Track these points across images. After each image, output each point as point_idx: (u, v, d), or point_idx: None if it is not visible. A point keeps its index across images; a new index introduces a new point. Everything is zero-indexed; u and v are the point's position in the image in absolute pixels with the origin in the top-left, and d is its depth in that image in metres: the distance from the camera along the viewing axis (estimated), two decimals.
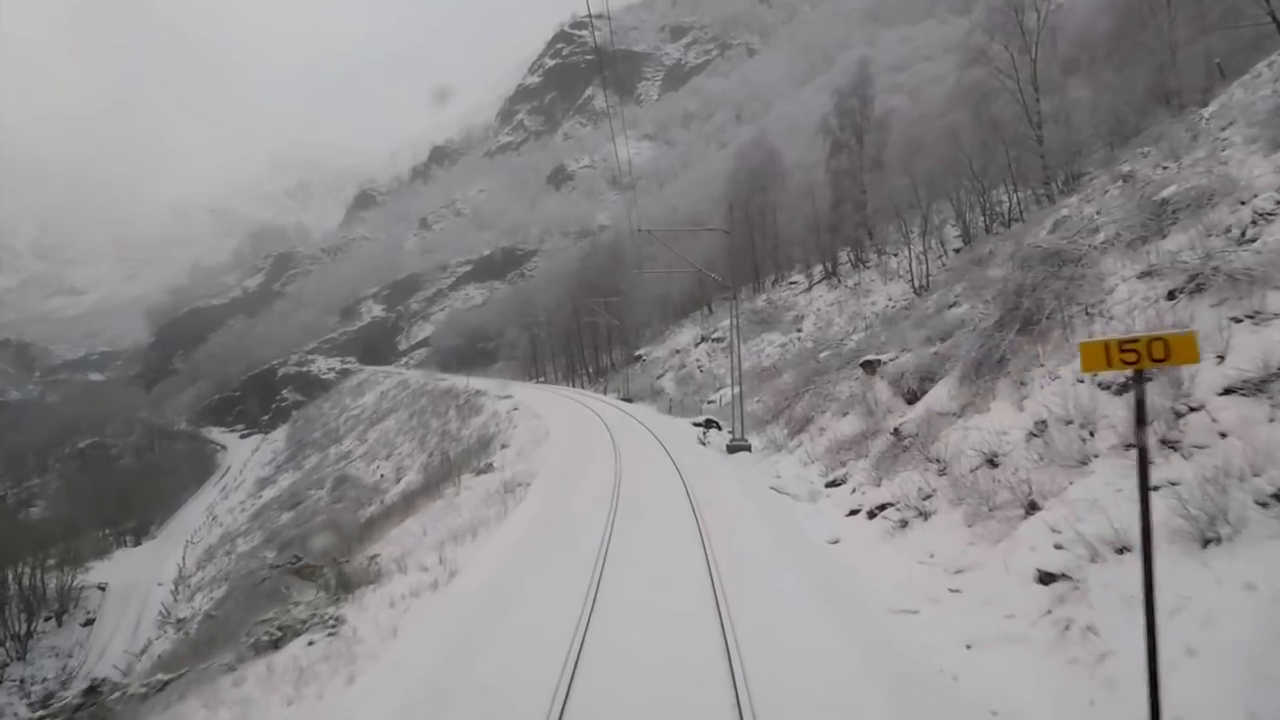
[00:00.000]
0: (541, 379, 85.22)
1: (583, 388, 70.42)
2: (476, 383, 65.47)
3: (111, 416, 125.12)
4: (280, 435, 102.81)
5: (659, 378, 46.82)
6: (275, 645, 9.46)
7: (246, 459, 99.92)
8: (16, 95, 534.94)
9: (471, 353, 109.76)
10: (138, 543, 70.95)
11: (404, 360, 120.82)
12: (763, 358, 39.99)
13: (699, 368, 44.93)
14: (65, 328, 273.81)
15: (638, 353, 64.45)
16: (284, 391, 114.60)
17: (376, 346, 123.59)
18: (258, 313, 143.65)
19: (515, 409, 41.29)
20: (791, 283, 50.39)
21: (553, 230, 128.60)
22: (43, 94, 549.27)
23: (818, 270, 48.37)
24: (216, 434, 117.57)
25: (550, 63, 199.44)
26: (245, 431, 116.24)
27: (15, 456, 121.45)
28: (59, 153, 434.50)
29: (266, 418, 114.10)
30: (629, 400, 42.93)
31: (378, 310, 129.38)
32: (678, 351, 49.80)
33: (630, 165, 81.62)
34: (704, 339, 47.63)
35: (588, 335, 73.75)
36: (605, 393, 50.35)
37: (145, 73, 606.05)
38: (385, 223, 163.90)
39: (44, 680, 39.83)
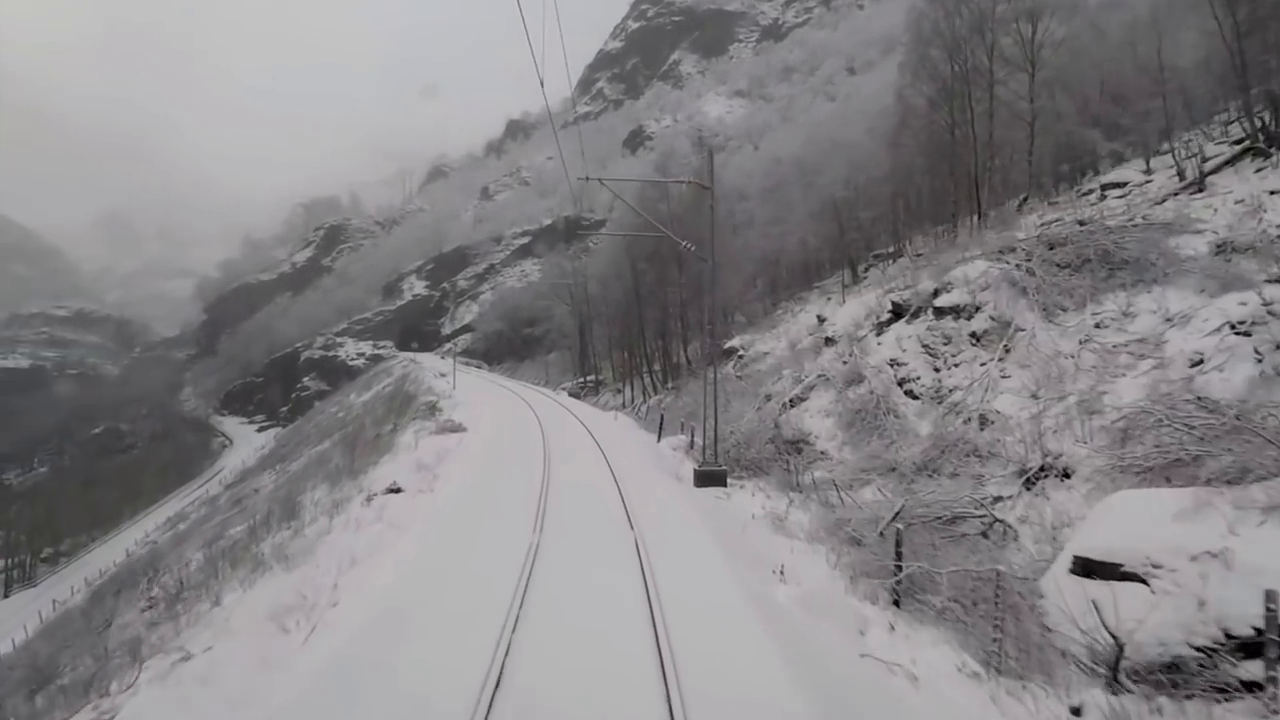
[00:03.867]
0: (592, 378, 57.66)
1: (644, 395, 42.52)
2: (467, 387, 38.86)
3: (135, 400, 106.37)
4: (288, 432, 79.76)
5: (793, 404, 17.93)
6: None
7: (244, 459, 77.13)
8: (150, 93, 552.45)
9: (517, 340, 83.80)
10: (6, 593, 47.94)
11: (447, 346, 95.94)
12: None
13: (906, 383, 15.88)
14: (177, 307, 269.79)
15: (729, 344, 35.86)
16: (306, 379, 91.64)
17: (417, 329, 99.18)
18: (303, 289, 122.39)
19: (402, 488, 13.62)
20: (1108, 186, 20.46)
21: (626, 195, 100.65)
22: (170, 91, 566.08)
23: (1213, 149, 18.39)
24: (232, 424, 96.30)
25: (634, 26, 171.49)
26: (264, 423, 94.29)
27: (47, 435, 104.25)
28: (180, 147, 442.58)
29: (285, 408, 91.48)
30: (718, 479, 14.01)
31: (420, 287, 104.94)
32: (829, 342, 20.68)
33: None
34: (902, 310, 18.37)
35: (652, 316, 45.35)
36: (661, 429, 21.41)
37: (245, 74, 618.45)
38: (446, 194, 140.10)
39: None
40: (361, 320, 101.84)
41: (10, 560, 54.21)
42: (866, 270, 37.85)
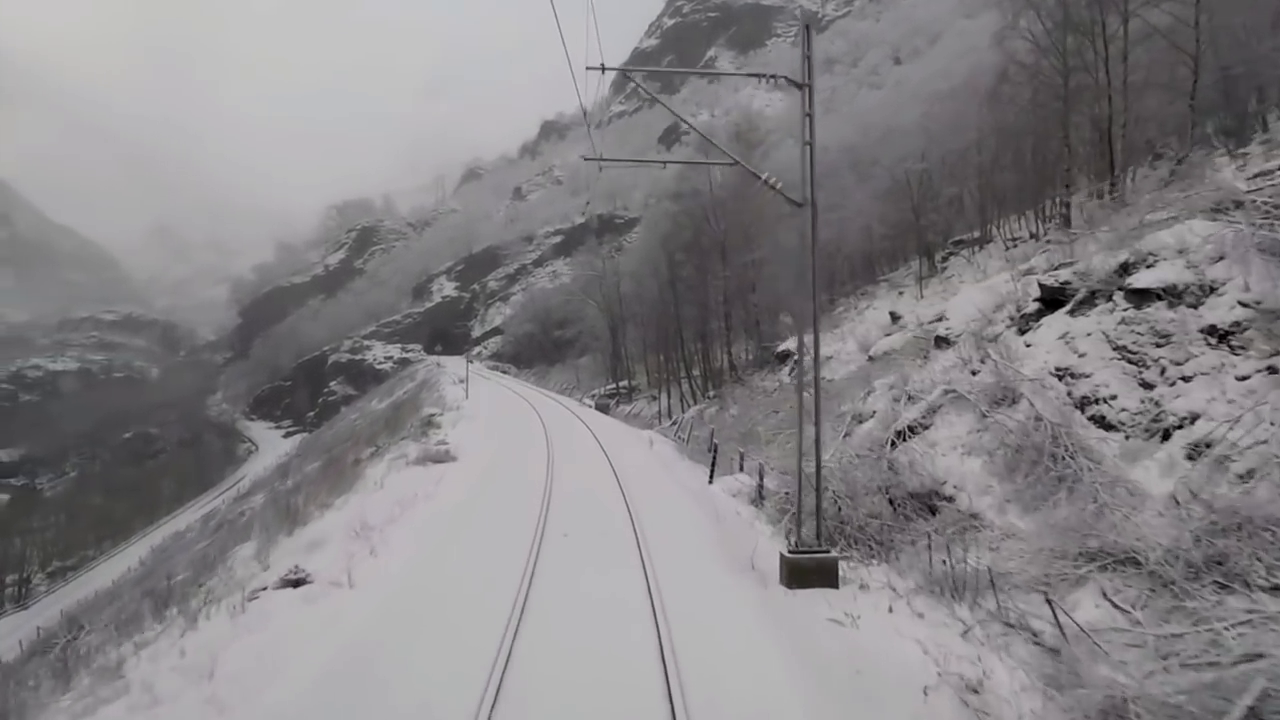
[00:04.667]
0: (625, 384, 52.54)
1: (683, 404, 37.23)
2: (481, 398, 34.07)
3: (167, 404, 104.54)
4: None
5: (911, 432, 12.23)
6: None
7: (265, 466, 73.74)
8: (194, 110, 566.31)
9: (548, 343, 79.03)
10: None
11: (477, 350, 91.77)
12: None
13: (1091, 404, 10.01)
14: (222, 312, 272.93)
15: (782, 347, 30.57)
16: (333, 383, 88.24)
17: (446, 332, 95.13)
18: (335, 292, 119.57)
19: (307, 578, 8.25)
20: None
21: (659, 193, 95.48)
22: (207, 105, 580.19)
23: None
24: (260, 429, 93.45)
25: (669, 23, 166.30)
26: (291, 427, 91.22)
27: (80, 439, 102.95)
28: (222, 159, 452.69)
29: (312, 413, 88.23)
30: (825, 574, 8.36)
31: (450, 289, 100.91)
32: (942, 343, 14.98)
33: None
34: (1062, 296, 12.57)
35: (691, 315, 39.96)
36: (714, 466, 15.88)
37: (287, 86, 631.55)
38: (479, 196, 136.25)
39: None
40: (390, 323, 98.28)
41: (4, 578, 50.95)
42: (946, 259, 31.83)
